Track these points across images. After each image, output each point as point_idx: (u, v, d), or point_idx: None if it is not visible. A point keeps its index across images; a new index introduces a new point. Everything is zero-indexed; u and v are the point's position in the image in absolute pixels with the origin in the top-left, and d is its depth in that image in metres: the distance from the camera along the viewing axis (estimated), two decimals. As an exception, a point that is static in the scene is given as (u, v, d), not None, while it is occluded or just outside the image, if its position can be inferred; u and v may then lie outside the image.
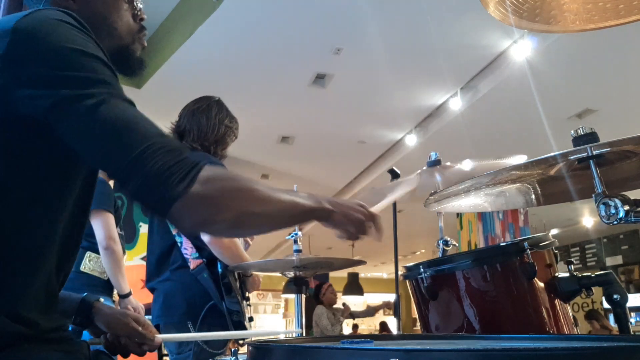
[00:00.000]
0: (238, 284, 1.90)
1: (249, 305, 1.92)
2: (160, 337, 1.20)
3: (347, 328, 7.81)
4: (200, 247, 1.86)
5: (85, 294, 1.19)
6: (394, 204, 2.21)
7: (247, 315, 1.87)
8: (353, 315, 6.30)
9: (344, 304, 6.32)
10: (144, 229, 5.26)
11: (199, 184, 0.74)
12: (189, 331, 1.80)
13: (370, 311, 6.92)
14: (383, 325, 11.35)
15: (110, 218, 2.55)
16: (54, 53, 0.76)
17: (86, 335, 1.22)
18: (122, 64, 1.04)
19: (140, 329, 1.16)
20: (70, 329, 1.15)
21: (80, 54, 0.78)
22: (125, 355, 1.17)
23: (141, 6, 1.07)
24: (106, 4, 0.99)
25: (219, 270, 1.84)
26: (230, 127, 2.06)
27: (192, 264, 1.86)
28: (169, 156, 0.74)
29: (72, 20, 0.82)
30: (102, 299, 1.20)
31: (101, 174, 2.73)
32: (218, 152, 2.05)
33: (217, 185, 0.77)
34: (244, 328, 1.82)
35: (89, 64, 0.78)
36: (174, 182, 0.73)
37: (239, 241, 1.90)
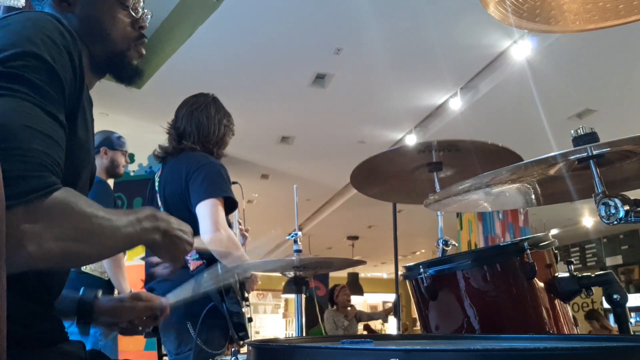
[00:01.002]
0: (238, 285, 1.90)
1: (248, 305, 1.92)
2: (168, 298, 1.26)
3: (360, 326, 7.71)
4: (200, 247, 1.86)
5: (82, 292, 1.19)
6: (394, 204, 2.21)
7: (247, 316, 1.86)
8: (359, 318, 6.25)
9: (351, 306, 6.30)
10: (144, 229, 5.25)
11: (40, 202, 0.68)
12: (188, 332, 1.80)
13: (380, 315, 6.86)
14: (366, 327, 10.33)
15: (110, 218, 2.55)
16: (7, 42, 0.76)
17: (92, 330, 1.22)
18: (116, 69, 1.03)
19: (144, 304, 1.19)
20: (75, 326, 1.15)
21: (27, 52, 0.75)
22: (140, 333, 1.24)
23: (144, 12, 1.05)
24: (99, 8, 0.98)
25: (219, 271, 1.84)
26: (228, 126, 2.06)
27: (192, 265, 1.85)
28: (23, 167, 0.68)
29: (53, 26, 0.81)
30: (100, 291, 1.20)
31: (100, 174, 2.74)
32: (220, 153, 2.04)
33: (59, 210, 0.71)
34: (245, 329, 1.82)
35: (27, 62, 0.75)
36: (17, 189, 0.67)
37: (239, 241, 1.90)
